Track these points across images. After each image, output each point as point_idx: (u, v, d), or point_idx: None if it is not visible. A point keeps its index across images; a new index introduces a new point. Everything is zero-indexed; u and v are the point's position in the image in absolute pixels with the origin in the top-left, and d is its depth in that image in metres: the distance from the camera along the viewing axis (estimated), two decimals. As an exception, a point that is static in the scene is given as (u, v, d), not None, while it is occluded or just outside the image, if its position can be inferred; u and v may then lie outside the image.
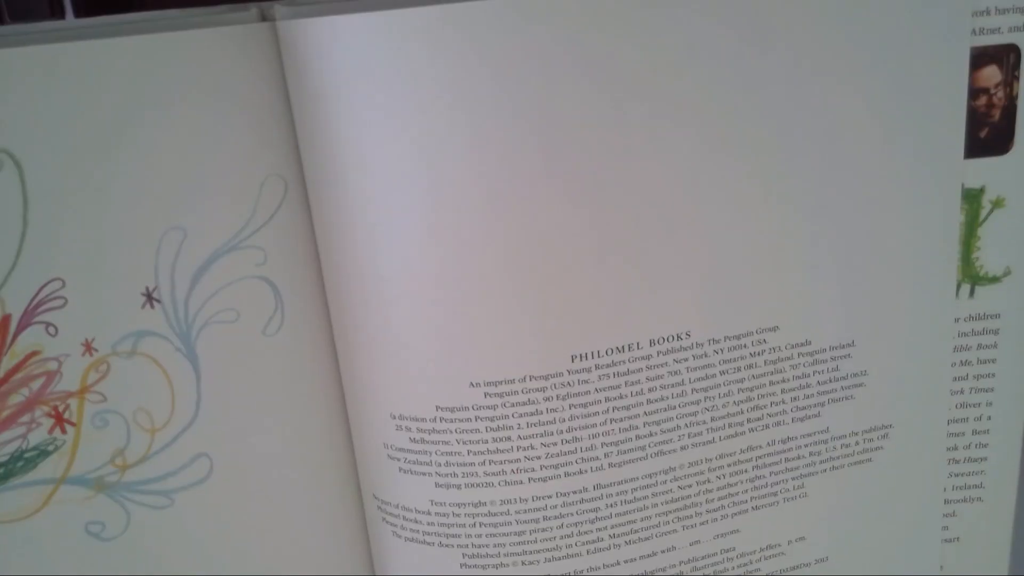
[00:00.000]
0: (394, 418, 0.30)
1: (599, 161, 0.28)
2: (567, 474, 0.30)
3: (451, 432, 0.30)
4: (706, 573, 0.33)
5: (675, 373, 0.30)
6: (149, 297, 0.29)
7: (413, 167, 0.28)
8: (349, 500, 0.34)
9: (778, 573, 0.34)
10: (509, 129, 0.27)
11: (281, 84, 0.29)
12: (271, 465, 0.32)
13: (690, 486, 0.32)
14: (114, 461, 0.30)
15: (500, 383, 0.29)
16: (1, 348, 0.28)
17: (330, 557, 0.34)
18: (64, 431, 0.30)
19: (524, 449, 0.30)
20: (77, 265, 0.28)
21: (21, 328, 0.28)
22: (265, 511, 0.33)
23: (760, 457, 0.33)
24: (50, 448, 0.29)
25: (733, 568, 0.34)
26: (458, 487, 0.30)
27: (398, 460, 0.31)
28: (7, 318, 0.28)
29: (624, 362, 0.30)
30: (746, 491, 0.33)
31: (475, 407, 0.29)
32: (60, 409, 0.29)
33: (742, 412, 0.32)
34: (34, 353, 0.29)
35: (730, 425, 0.32)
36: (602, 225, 0.29)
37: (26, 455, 0.29)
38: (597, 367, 0.29)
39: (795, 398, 0.32)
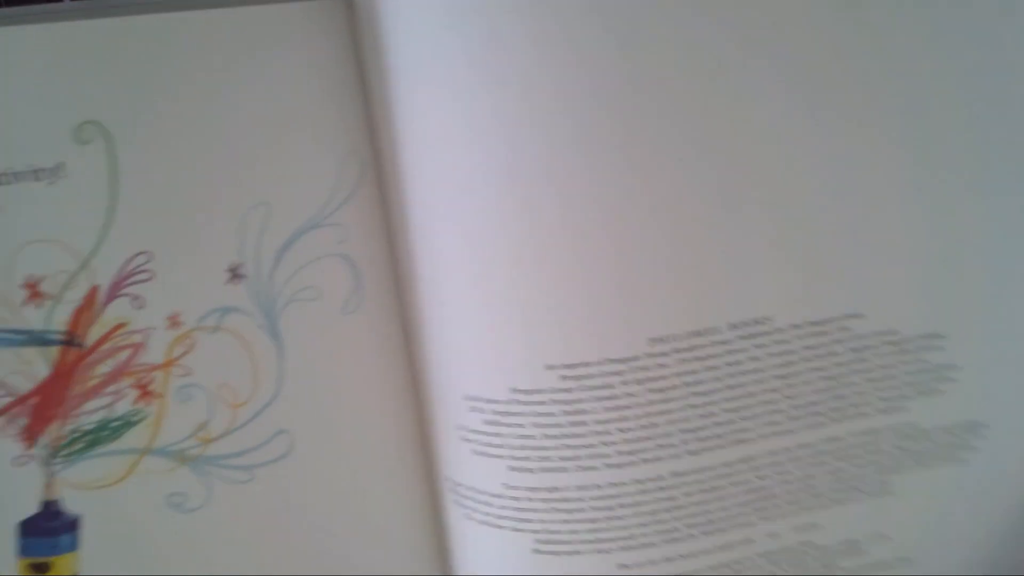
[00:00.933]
0: (468, 400, 0.28)
1: (681, 138, 0.26)
2: (644, 460, 0.28)
3: (526, 415, 0.28)
4: (783, 567, 0.31)
5: (755, 359, 0.28)
6: (235, 273, 0.28)
7: (491, 144, 0.26)
8: (423, 480, 0.32)
9: (857, 570, 0.31)
10: (590, 105, 0.25)
11: (356, 61, 0.28)
12: (348, 443, 0.31)
13: (768, 476, 0.29)
14: (197, 435, 0.29)
15: (577, 366, 0.27)
16: (89, 318, 0.27)
17: (403, 536, 0.32)
18: (149, 403, 0.29)
19: (600, 434, 0.27)
20: (165, 239, 0.27)
21: (109, 299, 0.27)
22: (341, 489, 0.31)
23: (842, 449, 0.30)
24: (135, 419, 0.29)
25: (810, 562, 0.31)
26: (532, 471, 0.28)
27: (471, 442, 0.29)
28: (95, 289, 0.27)
29: (703, 346, 0.27)
30: (826, 483, 0.30)
31: (551, 390, 0.27)
32: (145, 381, 0.28)
33: (824, 401, 0.29)
34: (121, 325, 0.28)
35: (811, 414, 0.29)
36: (683, 205, 0.26)
37: (111, 424, 0.28)
38: (676, 351, 0.27)
39: (879, 389, 0.29)
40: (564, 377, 0.27)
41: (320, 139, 0.28)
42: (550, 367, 0.27)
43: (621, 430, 0.27)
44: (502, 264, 0.27)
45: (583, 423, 0.27)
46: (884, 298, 0.29)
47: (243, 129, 0.27)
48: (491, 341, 0.28)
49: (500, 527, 0.29)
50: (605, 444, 0.27)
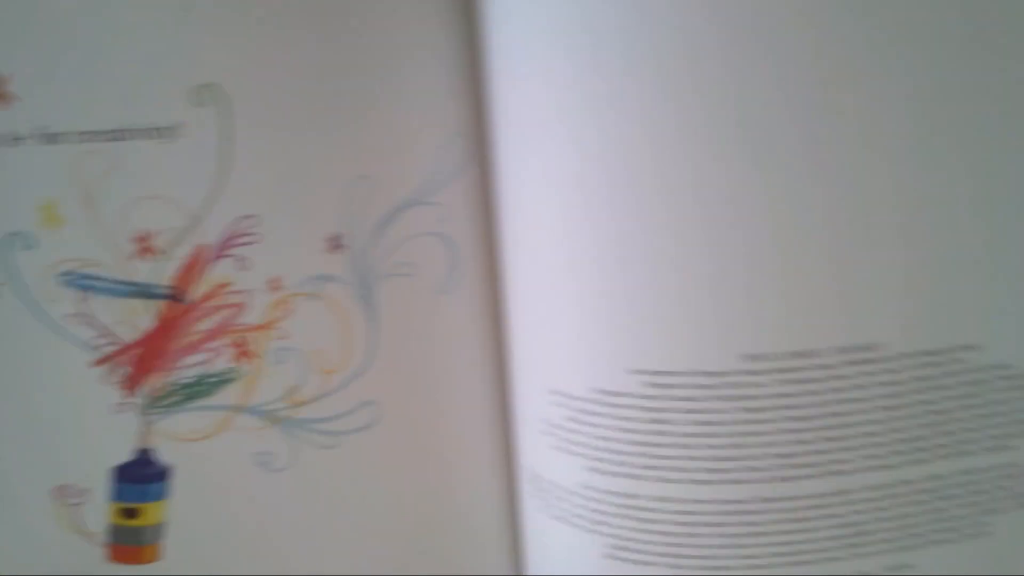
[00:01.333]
0: (552, 393, 0.27)
1: (800, 150, 0.24)
2: (729, 481, 0.26)
3: (606, 416, 0.26)
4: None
5: (860, 387, 0.26)
6: (335, 243, 0.28)
7: (600, 140, 0.25)
8: (503, 466, 0.32)
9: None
10: (703, 106, 0.24)
11: (471, 40, 0.27)
12: (432, 420, 0.31)
13: (864, 512, 0.27)
14: (288, 397, 0.29)
15: (663, 374, 0.25)
16: (195, 276, 0.28)
17: (478, 518, 0.32)
18: (245, 363, 0.29)
19: (684, 447, 0.26)
20: (272, 204, 0.28)
21: (215, 259, 0.28)
22: (421, 464, 0.31)
23: (944, 488, 0.27)
24: (231, 376, 0.29)
25: (901, 605, 0.29)
26: (610, 474, 0.27)
27: (552, 436, 0.28)
28: (203, 248, 0.28)
29: (803, 369, 0.25)
30: (925, 523, 0.28)
31: (634, 395, 0.26)
32: (243, 341, 0.29)
33: (929, 437, 0.27)
34: (224, 284, 0.28)
35: (915, 450, 0.27)
36: (797, 219, 0.24)
37: (208, 380, 0.29)
38: (773, 371, 0.25)
39: (989, 426, 0.27)
40: (649, 384, 0.26)
41: (428, 116, 0.28)
42: (635, 371, 0.26)
43: (708, 446, 0.26)
44: (599, 261, 0.26)
45: (666, 433, 0.26)
46: (1002, 330, 0.26)
47: (355, 100, 0.27)
48: (578, 337, 0.26)
49: (575, 525, 0.28)
50: (689, 458, 0.26)
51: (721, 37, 0.24)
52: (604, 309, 0.26)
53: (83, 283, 0.27)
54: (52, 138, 0.26)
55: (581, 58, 0.25)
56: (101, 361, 0.28)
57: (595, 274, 0.26)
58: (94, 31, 0.25)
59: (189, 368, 0.29)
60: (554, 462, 0.28)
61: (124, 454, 0.29)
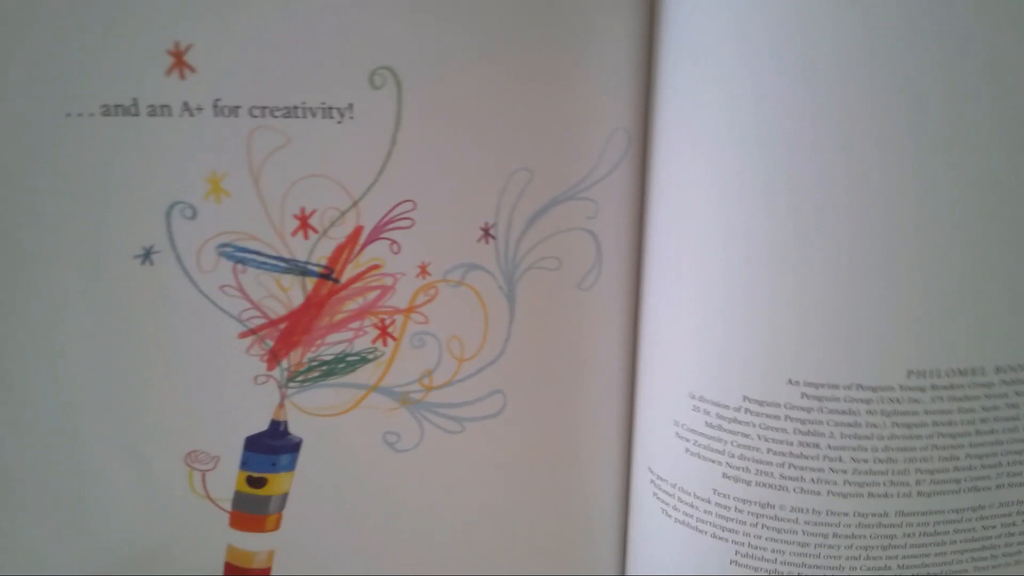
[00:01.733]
0: (693, 398, 0.27)
1: (972, 163, 0.24)
2: (871, 495, 0.26)
3: (754, 426, 0.26)
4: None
5: (1013, 406, 0.26)
6: (486, 233, 0.28)
7: (767, 143, 0.24)
8: (624, 465, 0.31)
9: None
10: (878, 117, 0.23)
11: (646, 36, 0.27)
12: (557, 414, 0.30)
13: (994, 527, 0.27)
14: (422, 380, 0.29)
15: (822, 386, 0.25)
16: (348, 256, 0.28)
17: (593, 515, 0.32)
18: (385, 344, 0.29)
19: (831, 460, 0.26)
20: (430, 190, 0.27)
21: (369, 241, 0.28)
22: (542, 456, 0.31)
23: None
24: (370, 356, 0.29)
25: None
26: (747, 483, 0.27)
27: (687, 441, 0.28)
28: (359, 229, 0.27)
29: (963, 386, 0.25)
30: None
31: (787, 406, 0.26)
32: (387, 323, 0.29)
33: (1067, 455, 0.27)
34: (376, 267, 0.28)
35: None
36: (971, 235, 0.24)
37: (348, 358, 0.29)
38: (933, 387, 0.25)
39: None
40: (805, 395, 0.25)
41: (595, 111, 0.27)
42: (792, 382, 0.25)
43: (855, 460, 0.26)
44: (759, 268, 0.25)
45: (815, 445, 0.26)
46: None
47: (523, 91, 0.27)
48: (731, 344, 0.26)
49: (700, 531, 0.28)
50: (834, 471, 0.26)
51: (900, 45, 0.23)
52: (764, 317, 0.25)
53: (239, 256, 0.27)
54: (226, 111, 0.26)
55: (755, 65, 0.24)
56: (247, 333, 0.28)
57: (755, 283, 0.25)
58: (277, 6, 0.25)
59: (331, 346, 0.29)
60: (685, 467, 0.28)
61: (258, 424, 0.29)
